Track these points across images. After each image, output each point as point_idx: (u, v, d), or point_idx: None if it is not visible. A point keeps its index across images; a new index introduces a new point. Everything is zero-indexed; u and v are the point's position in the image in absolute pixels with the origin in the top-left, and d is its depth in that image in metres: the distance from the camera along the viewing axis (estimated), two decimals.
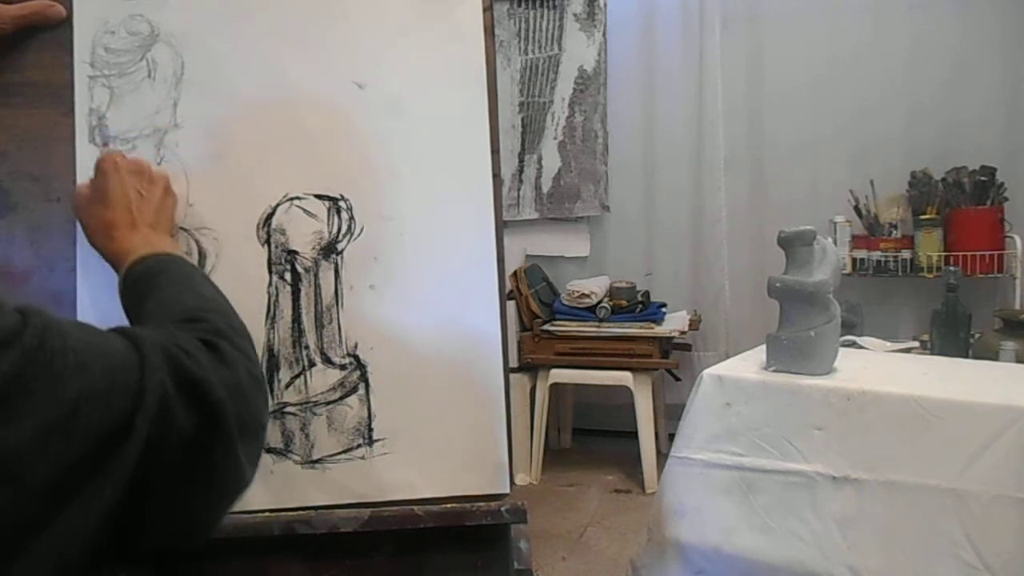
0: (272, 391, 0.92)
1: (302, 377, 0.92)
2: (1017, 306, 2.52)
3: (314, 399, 0.92)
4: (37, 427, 0.41)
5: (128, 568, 0.52)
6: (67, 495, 0.43)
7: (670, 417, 2.93)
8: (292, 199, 0.94)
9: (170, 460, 0.49)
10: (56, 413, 0.42)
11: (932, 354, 1.97)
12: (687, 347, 3.06)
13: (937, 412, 1.21)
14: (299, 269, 0.93)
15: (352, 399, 0.93)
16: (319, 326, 0.93)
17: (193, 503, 0.53)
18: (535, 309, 2.88)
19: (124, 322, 0.89)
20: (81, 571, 0.45)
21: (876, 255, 2.72)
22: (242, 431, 0.55)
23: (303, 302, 0.93)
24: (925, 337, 2.18)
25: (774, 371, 1.38)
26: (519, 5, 3.28)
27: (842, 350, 1.44)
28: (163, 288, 0.71)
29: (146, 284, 0.73)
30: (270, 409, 0.91)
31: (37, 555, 0.42)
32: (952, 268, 2.10)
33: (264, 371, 0.91)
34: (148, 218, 0.82)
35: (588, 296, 2.84)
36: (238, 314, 0.69)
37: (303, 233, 0.94)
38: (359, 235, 0.94)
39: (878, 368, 1.49)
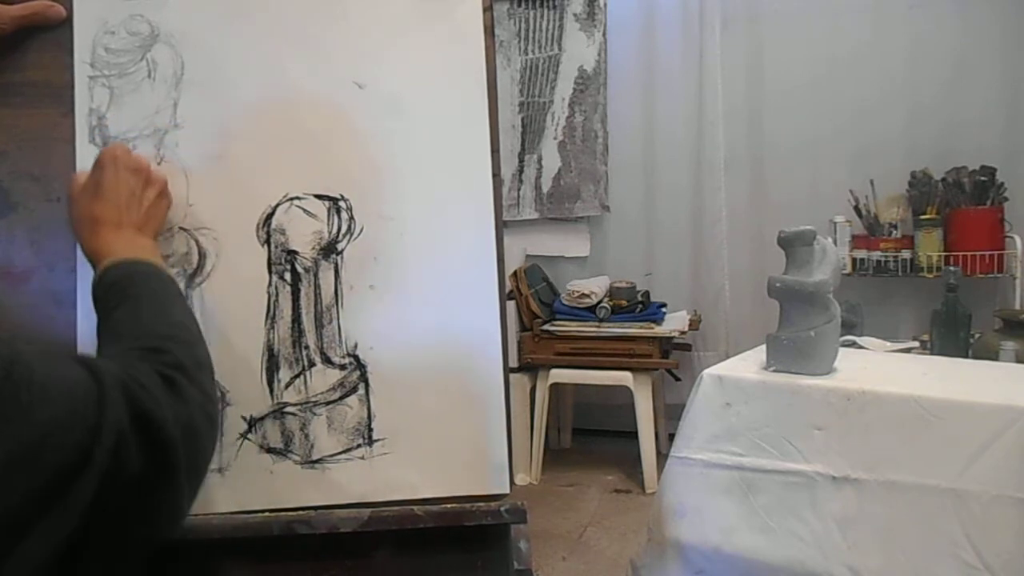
0: (272, 391, 0.92)
1: (302, 377, 0.92)
2: (1017, 306, 2.52)
3: (314, 399, 0.92)
4: (4, 457, 0.42)
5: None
6: (26, 526, 0.44)
7: (670, 417, 2.93)
8: (292, 199, 0.94)
9: (119, 493, 0.50)
10: (21, 444, 0.43)
11: (932, 354, 1.97)
12: (687, 347, 3.06)
13: (937, 412, 1.21)
14: (299, 269, 0.93)
15: (352, 399, 0.93)
16: (319, 326, 0.93)
17: (130, 535, 0.53)
18: (535, 309, 2.88)
19: None
20: None
21: (876, 255, 2.73)
22: (188, 470, 0.55)
23: (303, 302, 0.93)
24: (925, 337, 2.18)
25: (774, 371, 1.38)
26: (519, 5, 3.28)
27: (842, 350, 1.44)
28: (135, 302, 0.71)
29: (119, 291, 0.72)
30: (268, 411, 0.91)
31: None
32: (952, 268, 2.10)
33: (266, 370, 0.92)
34: (136, 219, 0.81)
35: (588, 296, 2.84)
36: (204, 340, 0.70)
37: (303, 233, 0.93)
38: (359, 235, 0.94)
39: (878, 368, 1.49)
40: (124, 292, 0.72)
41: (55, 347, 0.88)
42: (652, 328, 2.78)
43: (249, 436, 0.91)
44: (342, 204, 0.94)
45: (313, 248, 0.94)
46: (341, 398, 0.92)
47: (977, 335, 2.04)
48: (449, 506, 0.90)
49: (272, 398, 0.91)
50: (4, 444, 0.42)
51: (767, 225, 2.95)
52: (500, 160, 0.99)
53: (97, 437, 0.48)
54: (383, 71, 0.97)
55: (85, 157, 0.91)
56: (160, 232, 0.88)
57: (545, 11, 3.27)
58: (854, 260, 2.76)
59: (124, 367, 0.56)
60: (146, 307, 0.71)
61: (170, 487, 0.54)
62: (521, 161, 3.30)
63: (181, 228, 0.91)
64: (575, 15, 3.24)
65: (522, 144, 3.30)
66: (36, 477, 0.44)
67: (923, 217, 2.67)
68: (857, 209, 2.78)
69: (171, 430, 0.54)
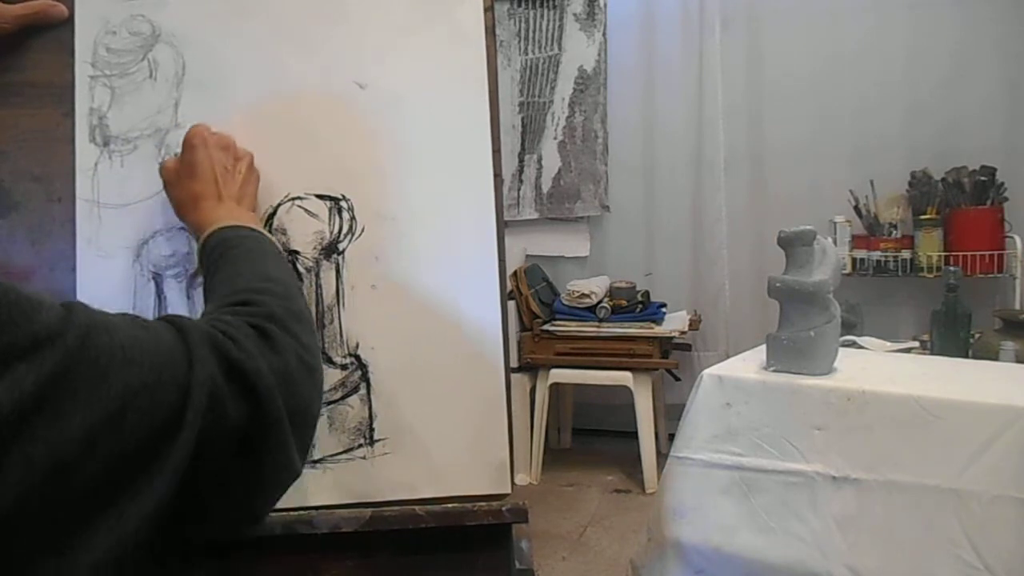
0: None
1: None
2: (1017, 306, 2.53)
3: None
4: (84, 426, 0.41)
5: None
6: (117, 493, 0.43)
7: (670, 417, 2.94)
8: (293, 199, 0.94)
9: (220, 452, 0.49)
10: (103, 411, 0.42)
11: (932, 354, 1.97)
12: (687, 347, 3.07)
13: (937, 412, 1.21)
14: (300, 269, 0.93)
15: (353, 399, 0.93)
16: (320, 326, 0.93)
17: (242, 493, 0.52)
18: (535, 309, 2.88)
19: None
20: (135, 566, 0.44)
21: (876, 255, 2.73)
22: (292, 419, 0.54)
23: None
24: (925, 337, 2.18)
25: (774, 371, 1.38)
26: (519, 5, 3.28)
27: (842, 350, 1.44)
28: (232, 262, 0.72)
29: (219, 256, 0.73)
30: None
31: (89, 551, 0.41)
32: (952, 268, 2.10)
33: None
34: (233, 192, 0.83)
35: (588, 296, 2.84)
36: (302, 295, 0.69)
37: (304, 233, 0.93)
38: (360, 235, 0.94)
39: (878, 368, 1.49)
40: (223, 255, 0.73)
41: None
42: (652, 328, 2.78)
43: None
44: (343, 204, 0.94)
45: (315, 248, 0.94)
46: (342, 398, 0.92)
47: (977, 335, 2.04)
48: (450, 506, 0.90)
49: None
50: (86, 413, 0.41)
51: (767, 225, 2.95)
52: (500, 160, 0.99)
53: (188, 397, 0.46)
54: (384, 71, 0.97)
55: (86, 157, 0.91)
56: (255, 204, 0.89)
57: (545, 11, 3.27)
58: (854, 260, 2.76)
59: (213, 322, 0.55)
60: (241, 265, 0.71)
61: (275, 440, 0.53)
62: (521, 161, 3.30)
63: (181, 228, 0.91)
64: (575, 15, 3.24)
65: (522, 144, 3.30)
66: (122, 443, 0.43)
67: (923, 217, 2.67)
68: (857, 209, 2.78)
69: (266, 379, 0.52)
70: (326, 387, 0.92)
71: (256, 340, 0.56)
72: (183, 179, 0.83)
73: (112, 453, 0.42)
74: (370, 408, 0.93)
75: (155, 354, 0.46)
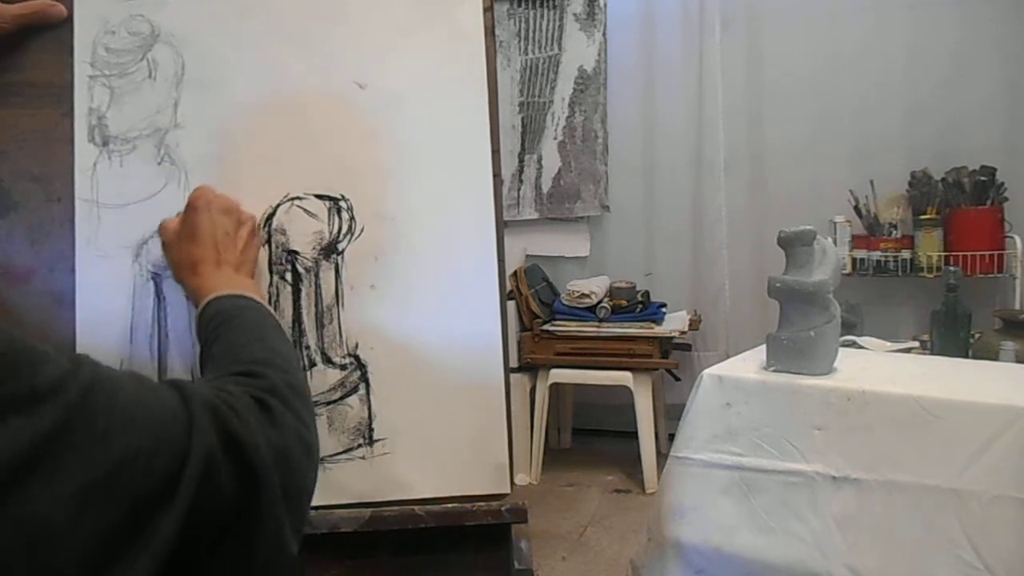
0: None
1: None
2: (1017, 306, 2.53)
3: (315, 399, 0.92)
4: (78, 486, 0.39)
5: None
6: (104, 562, 0.41)
7: (670, 417, 2.94)
8: (293, 199, 0.94)
9: (211, 526, 0.47)
10: (100, 472, 0.41)
11: (932, 354, 1.97)
12: (687, 347, 3.06)
13: (937, 412, 1.21)
14: (300, 269, 0.93)
15: (352, 399, 0.93)
16: (319, 326, 0.93)
17: (233, 573, 0.51)
18: (535, 309, 2.88)
19: (124, 325, 0.90)
20: None
21: (876, 255, 2.73)
22: (286, 496, 0.53)
23: (304, 302, 0.93)
24: (925, 337, 2.18)
25: (774, 371, 1.38)
26: (519, 5, 3.28)
27: (842, 350, 1.44)
28: (232, 333, 0.71)
29: (218, 325, 0.73)
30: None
31: None
32: (952, 268, 2.10)
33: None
34: (233, 258, 0.82)
35: (588, 296, 2.84)
36: (301, 370, 0.69)
37: (304, 233, 0.93)
38: (359, 235, 0.94)
39: (878, 368, 1.49)
40: (222, 326, 0.72)
41: (59, 347, 0.88)
42: (652, 328, 2.78)
43: None
44: (343, 204, 0.94)
45: (314, 248, 0.94)
46: (342, 398, 0.92)
47: (977, 335, 2.04)
48: (450, 506, 0.90)
49: None
50: (80, 474, 0.40)
51: (767, 225, 2.95)
52: (500, 160, 0.99)
53: (184, 465, 0.45)
54: (384, 71, 0.97)
55: (85, 157, 0.91)
56: (255, 270, 0.88)
57: (545, 11, 3.27)
58: (854, 260, 2.76)
59: (216, 391, 0.54)
60: (243, 335, 0.71)
61: (267, 518, 0.51)
62: (521, 161, 3.30)
63: None
64: (575, 15, 3.24)
65: (522, 144, 3.30)
66: (114, 509, 0.41)
67: (923, 217, 2.67)
68: (857, 209, 2.78)
69: (264, 455, 0.51)
70: (326, 387, 0.92)
71: (257, 413, 0.55)
72: (183, 241, 0.82)
73: (102, 520, 0.41)
74: (369, 408, 0.93)
75: (157, 418, 0.46)
